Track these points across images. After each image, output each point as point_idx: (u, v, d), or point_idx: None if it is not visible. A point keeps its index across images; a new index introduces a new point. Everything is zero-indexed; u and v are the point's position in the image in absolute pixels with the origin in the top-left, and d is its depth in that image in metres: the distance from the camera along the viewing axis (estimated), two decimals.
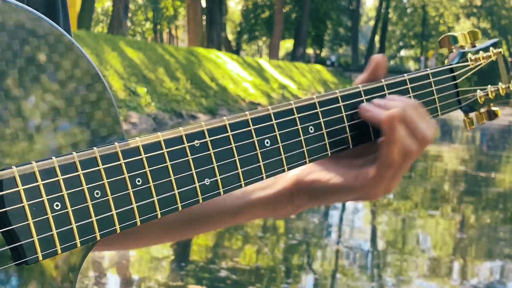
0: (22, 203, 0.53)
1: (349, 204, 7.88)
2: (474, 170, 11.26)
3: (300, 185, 0.80)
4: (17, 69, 0.55)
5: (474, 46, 0.93)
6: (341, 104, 0.76)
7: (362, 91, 0.78)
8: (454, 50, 0.91)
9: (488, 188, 9.29)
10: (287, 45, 61.55)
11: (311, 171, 0.80)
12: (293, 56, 45.52)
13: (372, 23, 65.48)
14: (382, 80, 0.81)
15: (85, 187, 0.56)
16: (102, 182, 0.57)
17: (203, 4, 33.70)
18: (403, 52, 67.91)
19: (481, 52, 0.92)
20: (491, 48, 0.94)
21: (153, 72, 18.05)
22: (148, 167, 0.60)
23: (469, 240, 6.19)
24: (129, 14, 40.44)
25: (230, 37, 53.86)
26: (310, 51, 57.59)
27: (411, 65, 66.23)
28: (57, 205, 0.54)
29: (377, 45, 61.99)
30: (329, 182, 0.78)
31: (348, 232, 6.47)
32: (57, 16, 0.80)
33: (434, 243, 6.08)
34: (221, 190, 0.65)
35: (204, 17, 33.42)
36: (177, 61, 20.96)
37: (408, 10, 63.60)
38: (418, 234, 6.48)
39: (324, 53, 61.89)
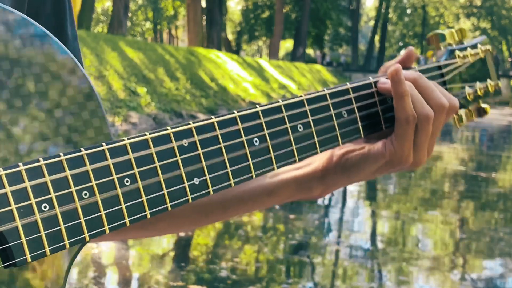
0: (10, 204, 0.52)
1: (349, 204, 7.88)
2: (474, 170, 11.26)
3: (332, 160, 0.82)
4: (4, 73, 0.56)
5: (462, 44, 0.93)
6: (329, 102, 0.76)
7: (350, 89, 0.78)
8: (442, 48, 0.91)
9: (488, 188, 9.29)
10: (287, 45, 61.57)
11: (343, 147, 0.83)
12: (293, 56, 45.54)
13: (372, 23, 65.49)
14: (370, 77, 0.81)
15: (73, 188, 0.56)
16: (90, 182, 0.57)
17: (203, 4, 33.71)
18: (403, 52, 67.84)
19: (468, 49, 0.92)
20: (479, 45, 0.94)
21: (153, 72, 18.06)
22: (137, 167, 0.59)
23: (469, 240, 6.18)
24: (129, 14, 40.46)
25: (230, 37, 53.87)
26: (310, 51, 57.60)
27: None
28: (45, 207, 0.54)
29: (377, 45, 62.02)
30: (359, 150, 0.81)
31: (348, 232, 6.47)
32: (65, 22, 0.80)
33: (434, 243, 6.08)
34: (211, 190, 0.64)
35: (204, 17, 33.43)
36: (177, 61, 20.98)
37: (408, 10, 63.62)
38: (418, 234, 6.48)
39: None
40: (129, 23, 45.33)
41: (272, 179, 0.84)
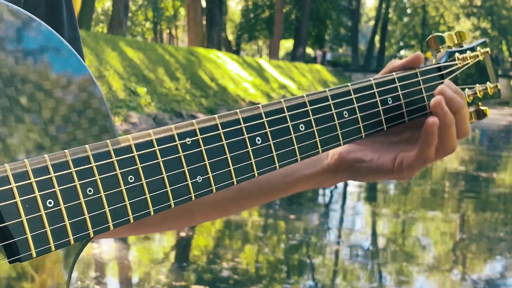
0: (15, 200, 0.53)
1: (349, 204, 7.88)
2: (474, 170, 11.26)
3: (342, 162, 0.88)
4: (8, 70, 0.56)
5: (461, 46, 0.94)
6: (331, 102, 0.77)
7: (351, 90, 0.79)
8: (441, 50, 0.93)
9: (489, 188, 9.29)
10: (287, 45, 61.53)
11: (352, 150, 0.87)
12: (293, 56, 45.51)
13: (372, 23, 65.45)
14: (371, 78, 0.82)
15: (77, 184, 0.56)
16: (95, 179, 0.57)
17: (203, 4, 33.69)
18: (403, 52, 67.83)
19: (468, 51, 0.94)
20: (478, 48, 0.95)
21: (153, 72, 18.05)
22: (140, 165, 0.60)
23: (469, 240, 6.19)
24: (129, 14, 40.45)
25: (230, 37, 53.83)
26: (310, 51, 57.55)
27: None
28: (50, 202, 0.55)
29: (377, 45, 61.98)
30: (369, 164, 0.86)
31: (348, 232, 6.47)
32: (61, 24, 0.80)
33: (434, 243, 6.09)
34: (214, 188, 0.65)
35: (204, 17, 33.41)
36: (177, 61, 20.97)
37: (408, 10, 63.56)
38: (418, 234, 6.48)
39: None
40: (129, 23, 45.34)
41: (287, 177, 0.89)
